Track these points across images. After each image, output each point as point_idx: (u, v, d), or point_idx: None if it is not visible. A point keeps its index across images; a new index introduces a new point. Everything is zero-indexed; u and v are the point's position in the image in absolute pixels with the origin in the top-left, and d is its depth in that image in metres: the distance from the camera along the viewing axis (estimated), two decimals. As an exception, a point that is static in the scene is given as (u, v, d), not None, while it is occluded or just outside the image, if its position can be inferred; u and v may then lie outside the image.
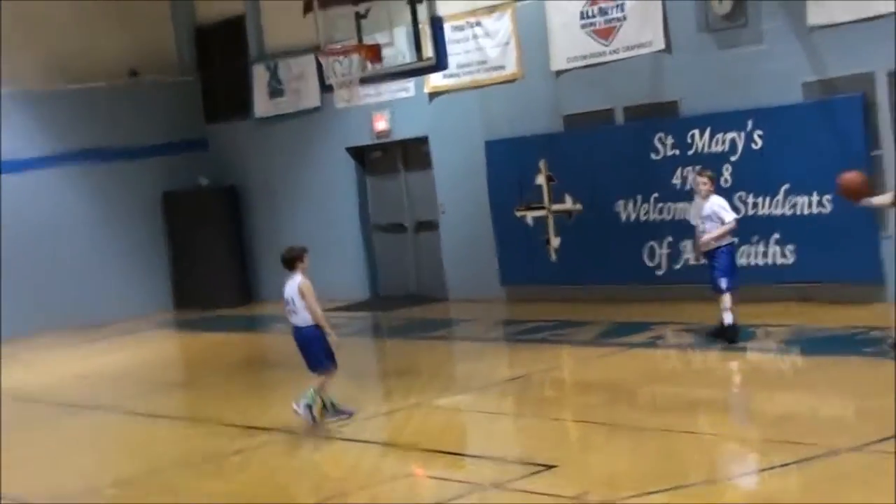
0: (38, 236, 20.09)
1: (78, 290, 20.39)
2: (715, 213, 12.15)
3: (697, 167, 13.00)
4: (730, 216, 12.16)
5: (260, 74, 20.71)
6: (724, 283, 11.94)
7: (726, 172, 14.23)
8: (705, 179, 12.33)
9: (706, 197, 12.25)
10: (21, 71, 20.13)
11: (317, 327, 10.65)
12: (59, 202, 20.49)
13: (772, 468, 8.22)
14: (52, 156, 20.43)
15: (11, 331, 19.25)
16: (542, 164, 16.32)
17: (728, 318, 11.94)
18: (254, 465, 9.70)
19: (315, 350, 10.65)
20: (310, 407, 10.51)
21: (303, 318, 10.63)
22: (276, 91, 20.45)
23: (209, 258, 21.16)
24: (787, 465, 8.25)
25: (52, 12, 20.44)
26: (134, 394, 13.58)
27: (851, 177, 11.12)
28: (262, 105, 20.76)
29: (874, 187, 11.71)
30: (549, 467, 8.52)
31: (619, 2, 15.33)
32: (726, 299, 11.95)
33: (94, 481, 9.79)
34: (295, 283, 10.68)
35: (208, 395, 13.14)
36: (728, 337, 11.93)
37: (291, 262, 10.86)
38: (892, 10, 12.73)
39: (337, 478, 9.08)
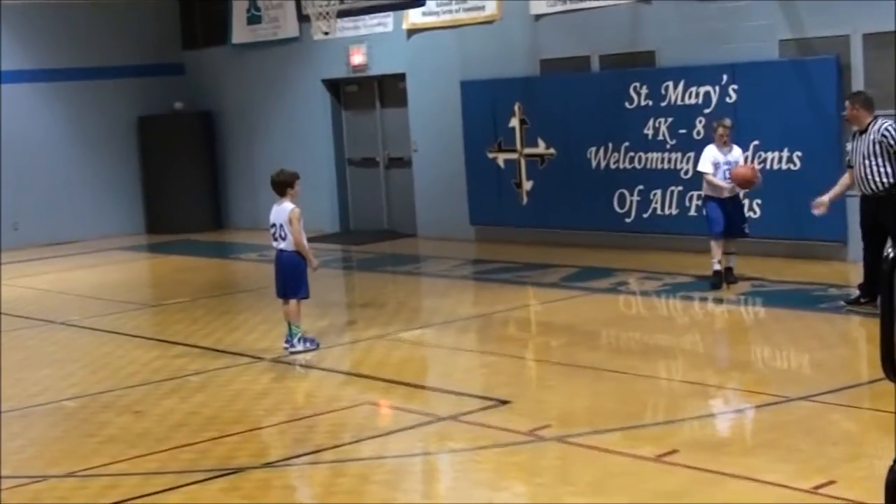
0: (10, 151, 20.01)
1: (49, 207, 20.39)
2: (737, 161, 12.47)
3: (723, 119, 12.88)
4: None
5: (238, 1, 20.58)
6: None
7: (699, 125, 14.35)
8: (722, 130, 12.50)
9: (726, 144, 12.48)
10: (-1, -16, 19.97)
11: (299, 254, 10.74)
12: (34, 118, 20.41)
13: (723, 413, 8.43)
14: (27, 70, 20.31)
15: (-22, 244, 19.27)
16: (516, 107, 16.37)
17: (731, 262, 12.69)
18: (214, 387, 9.81)
19: (295, 277, 10.74)
20: (302, 338, 10.66)
21: (289, 243, 10.72)
22: (254, 18, 20.36)
23: (181, 183, 21.17)
24: (739, 410, 8.47)
25: (33, -74, 20.28)
26: (100, 312, 13.64)
27: (743, 171, 12.37)
28: (240, 32, 20.68)
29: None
30: (505, 402, 8.68)
31: (603, -52, 15.32)
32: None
33: (55, 395, 9.88)
34: (284, 211, 10.72)
35: (174, 317, 13.21)
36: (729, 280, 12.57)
37: (282, 186, 10.86)
38: (872, -29, 12.80)
39: (295, 403, 9.21)
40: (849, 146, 11.11)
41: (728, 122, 12.69)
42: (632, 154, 15.23)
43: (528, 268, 14.53)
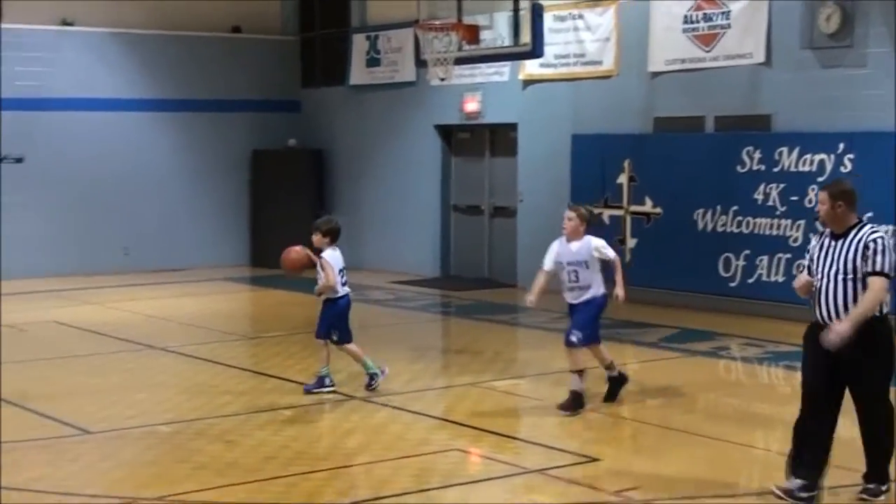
0: (126, 177, 20.48)
1: (158, 233, 20.79)
2: (591, 254, 10.04)
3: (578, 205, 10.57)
4: (611, 254, 10.23)
5: (359, 43, 20.88)
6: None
7: (811, 193, 14.11)
8: (572, 215, 10.11)
9: (573, 237, 10.08)
10: (126, 13, 20.50)
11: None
12: (152, 146, 20.86)
13: (820, 489, 8.19)
14: (149, 99, 20.79)
15: (91, 266, 19.71)
16: (626, 163, 16.29)
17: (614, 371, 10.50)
18: (304, 421, 9.86)
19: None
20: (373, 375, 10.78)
21: (344, 288, 10.87)
22: (372, 61, 20.60)
23: (289, 219, 21.33)
24: (832, 488, 8.22)
25: (162, -40, 20.83)
26: (200, 340, 13.82)
27: (288, 256, 11.18)
28: (358, 73, 20.94)
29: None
30: (595, 460, 8.57)
31: (725, 10, 15.24)
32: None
33: (149, 418, 10.00)
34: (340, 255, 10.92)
35: (270, 350, 13.32)
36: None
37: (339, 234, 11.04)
38: None
39: (384, 443, 9.18)
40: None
41: (578, 209, 10.22)
42: (740, 218, 15.03)
43: (626, 325, 14.37)
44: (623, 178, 16.35)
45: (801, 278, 7.76)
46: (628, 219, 16.31)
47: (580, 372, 10.11)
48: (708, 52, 15.47)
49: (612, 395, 10.41)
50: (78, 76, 20.17)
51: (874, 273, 7.23)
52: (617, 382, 10.45)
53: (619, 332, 14.02)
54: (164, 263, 20.65)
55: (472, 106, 18.91)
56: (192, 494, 7.79)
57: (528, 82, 17.92)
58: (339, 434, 9.42)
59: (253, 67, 21.78)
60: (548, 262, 10.25)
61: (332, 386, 10.83)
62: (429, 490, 7.92)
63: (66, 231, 20.07)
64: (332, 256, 10.90)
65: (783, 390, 11.46)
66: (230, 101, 21.52)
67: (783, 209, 14.54)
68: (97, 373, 12.10)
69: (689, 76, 15.70)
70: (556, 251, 10.21)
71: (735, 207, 15.04)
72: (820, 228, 7.83)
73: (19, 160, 19.72)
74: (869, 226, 7.49)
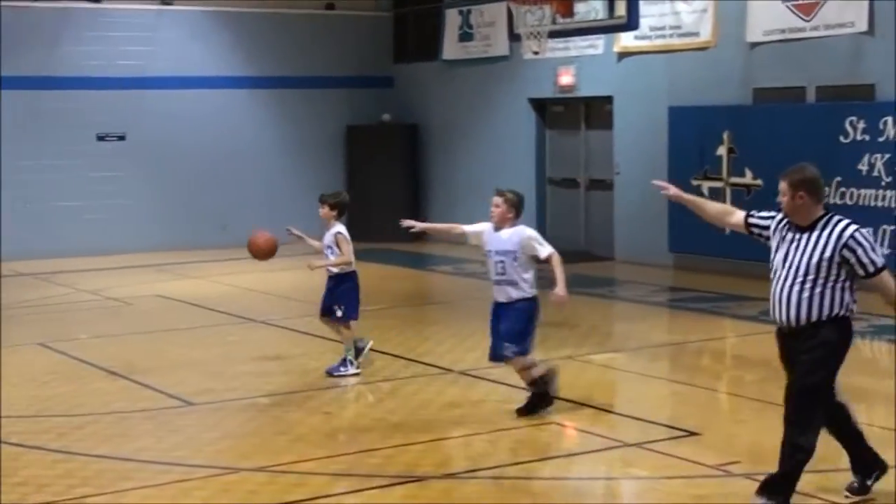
0: (224, 153, 20.76)
1: (256, 208, 20.99)
2: (521, 246, 8.89)
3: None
4: (546, 250, 8.99)
5: (452, 18, 20.86)
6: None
7: (917, 163, 13.82)
8: (499, 200, 8.95)
9: (501, 224, 8.98)
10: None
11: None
12: (248, 122, 21.11)
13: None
14: (245, 76, 21.02)
15: (191, 241, 20.03)
16: (725, 135, 16.08)
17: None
18: (402, 394, 9.92)
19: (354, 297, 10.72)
20: (351, 361, 10.53)
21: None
22: (465, 35, 20.58)
23: (384, 193, 21.52)
24: None
25: (256, -62, 21.02)
26: (298, 313, 13.97)
27: (256, 240, 11.00)
28: (451, 48, 20.93)
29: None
30: (694, 434, 8.50)
31: (826, -22, 14.94)
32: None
33: (250, 391, 10.16)
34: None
35: (368, 324, 13.36)
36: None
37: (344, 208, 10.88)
38: None
39: (481, 417, 9.21)
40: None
41: (506, 194, 8.94)
42: (843, 189, 14.75)
43: (726, 298, 14.23)
44: (722, 150, 16.14)
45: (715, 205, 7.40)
46: (728, 190, 16.11)
47: (530, 366, 9.00)
48: (808, 21, 15.18)
49: (529, 410, 8.95)
50: (176, 55, 20.46)
51: (878, 271, 6.53)
52: (540, 399, 8.99)
53: (717, 306, 13.89)
54: (263, 238, 20.85)
55: (566, 79, 18.80)
56: (293, 465, 7.90)
57: (622, 55, 17.76)
58: (437, 407, 9.48)
59: (347, 43, 21.88)
60: (469, 228, 9.26)
61: (356, 367, 10.49)
62: (525, 463, 7.93)
63: (166, 207, 20.42)
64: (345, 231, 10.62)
65: (886, 365, 11.27)
66: (324, 77, 21.66)
67: (888, 180, 14.24)
68: (199, 345, 12.31)
69: (789, 46, 15.42)
70: (485, 238, 9.07)
71: (838, 178, 14.76)
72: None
73: (121, 138, 20.11)
74: (837, 219, 6.58)
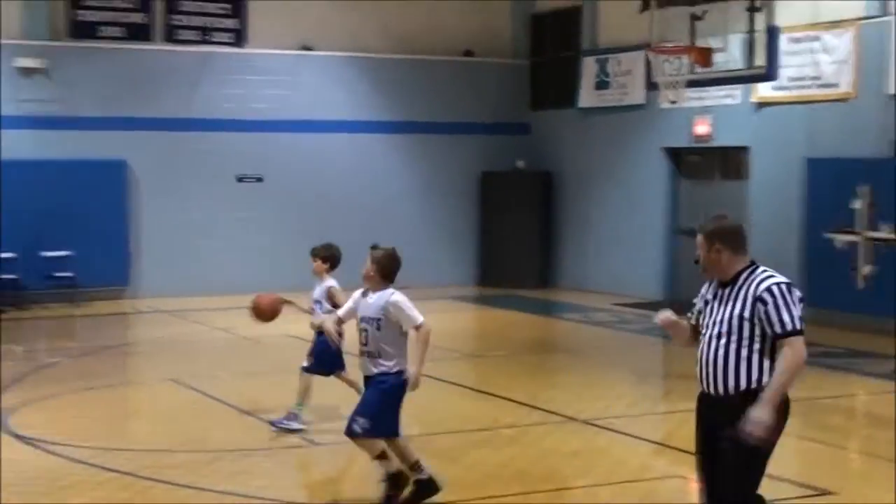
0: (359, 196, 21.02)
1: (389, 252, 21.21)
2: (384, 312, 7.92)
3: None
4: (414, 320, 7.95)
5: (589, 66, 20.88)
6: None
7: None
8: (368, 260, 8.12)
9: (368, 286, 8.11)
10: (362, 37, 21.11)
11: None
12: (383, 166, 21.36)
13: None
14: (383, 121, 21.31)
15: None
16: (864, 188, 15.72)
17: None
18: (526, 441, 9.89)
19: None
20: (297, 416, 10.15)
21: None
22: (602, 84, 20.58)
23: (515, 239, 21.59)
24: None
25: (399, -16, 21.35)
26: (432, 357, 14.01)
27: (259, 301, 10.35)
28: (587, 96, 20.94)
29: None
30: (825, 493, 8.30)
31: (972, 29, 14.57)
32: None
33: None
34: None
35: (493, 369, 13.43)
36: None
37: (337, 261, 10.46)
38: None
39: (605, 466, 9.12)
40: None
41: (374, 253, 8.17)
42: None
43: (857, 355, 13.88)
44: (859, 203, 15.78)
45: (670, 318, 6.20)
46: (864, 244, 15.73)
47: (381, 456, 7.91)
48: (953, 72, 14.82)
49: (414, 501, 7.91)
50: (315, 99, 20.87)
51: (785, 334, 5.72)
52: (425, 487, 7.92)
53: (847, 362, 13.54)
54: (395, 281, 21.04)
55: (702, 128, 18.64)
56: (412, 509, 7.91)
57: (760, 105, 17.54)
58: (559, 455, 9.42)
59: (484, 90, 22.06)
60: (345, 306, 8.29)
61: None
62: (648, 516, 7.83)
63: (300, 248, 20.68)
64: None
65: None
66: (461, 123, 21.85)
67: None
68: (323, 385, 12.41)
69: (933, 98, 15.08)
70: (357, 301, 8.05)
71: (980, 235, 14.33)
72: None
73: (259, 179, 20.54)
74: (762, 270, 5.89)
